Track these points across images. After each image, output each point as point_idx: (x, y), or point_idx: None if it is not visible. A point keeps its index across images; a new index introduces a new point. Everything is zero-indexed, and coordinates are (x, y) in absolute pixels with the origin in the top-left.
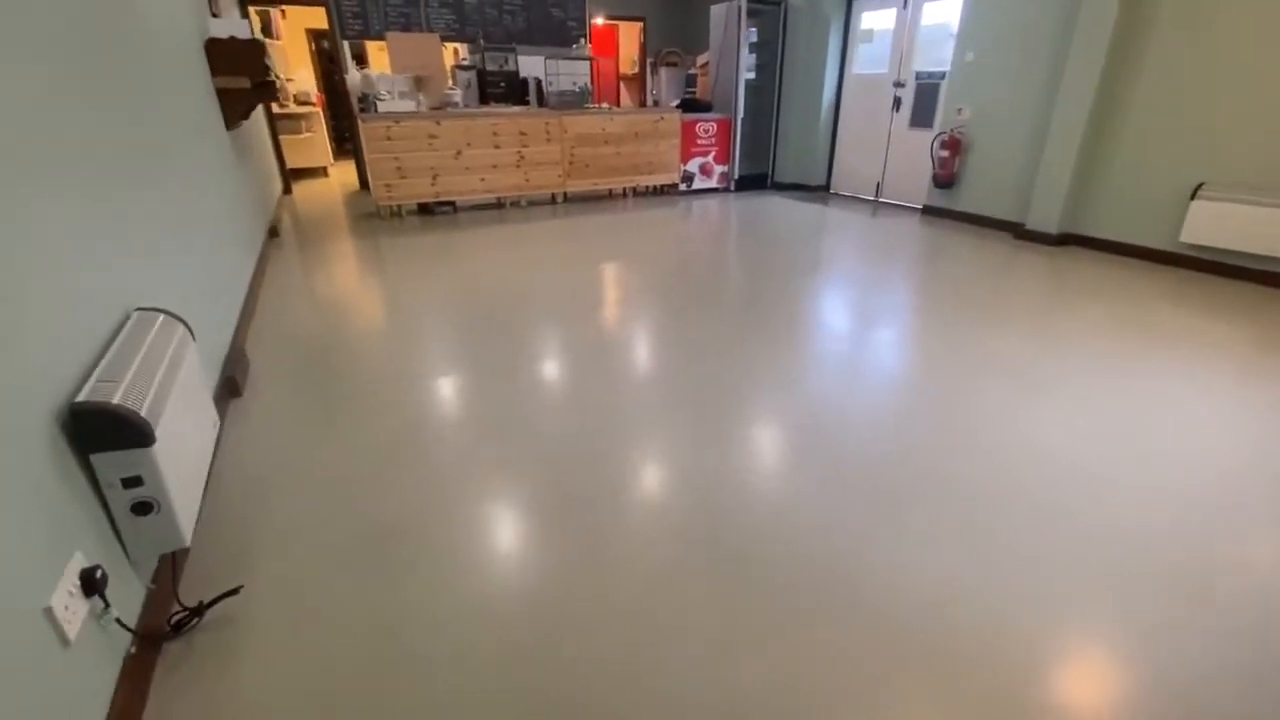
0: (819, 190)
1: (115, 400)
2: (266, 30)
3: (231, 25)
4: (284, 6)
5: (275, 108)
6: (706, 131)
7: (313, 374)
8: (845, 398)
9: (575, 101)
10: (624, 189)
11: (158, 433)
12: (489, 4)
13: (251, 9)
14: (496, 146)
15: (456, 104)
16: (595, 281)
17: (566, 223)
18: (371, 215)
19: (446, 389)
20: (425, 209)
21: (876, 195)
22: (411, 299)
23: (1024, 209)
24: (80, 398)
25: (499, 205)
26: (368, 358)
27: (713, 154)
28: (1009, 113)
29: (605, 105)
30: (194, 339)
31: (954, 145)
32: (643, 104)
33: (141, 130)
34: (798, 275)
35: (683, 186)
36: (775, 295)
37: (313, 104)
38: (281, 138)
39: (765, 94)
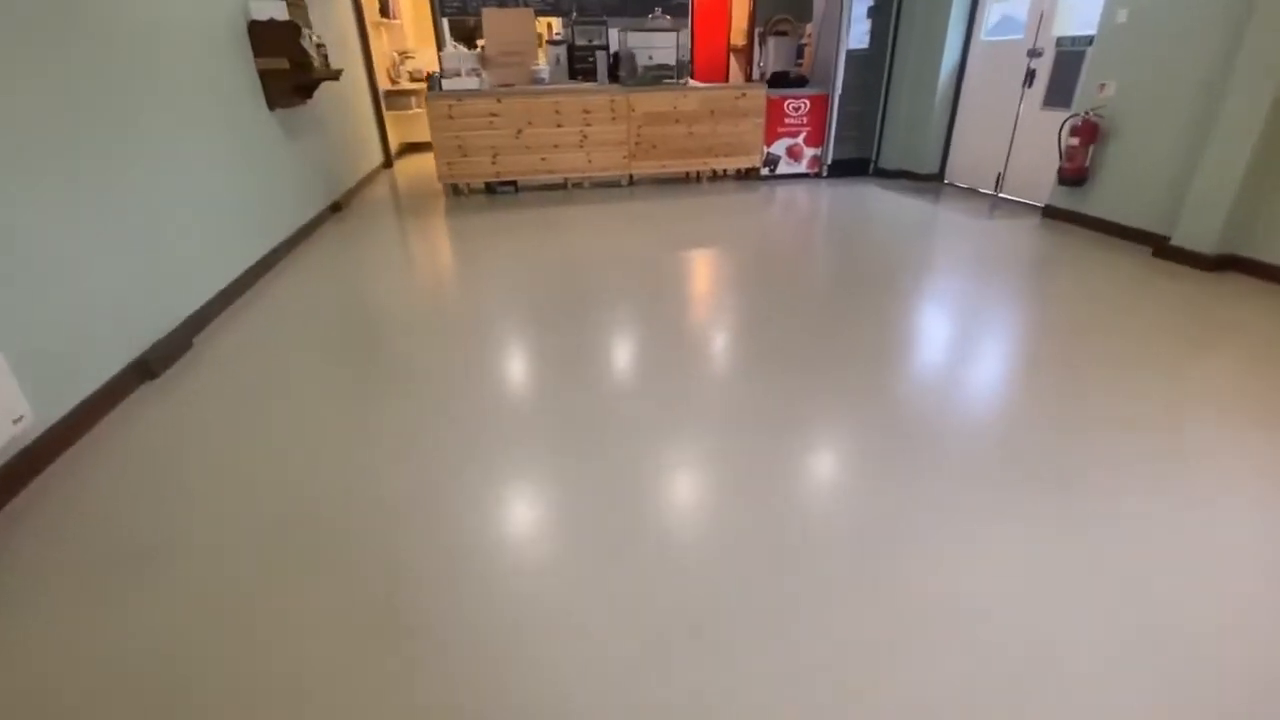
0: (929, 180)
1: None
2: (385, 9)
3: (272, 8)
4: None
5: (388, 84)
6: (797, 109)
7: (265, 366)
8: (918, 459)
9: (659, 77)
10: (697, 172)
11: None
12: None
13: None
14: (558, 125)
15: (543, 80)
16: (652, 278)
17: (632, 207)
18: (438, 193)
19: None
20: (488, 188)
21: (996, 189)
22: (435, 286)
23: (1171, 219)
24: None
25: (563, 186)
26: (335, 352)
27: (803, 135)
28: (1165, 92)
29: (687, 81)
30: None
31: (1088, 132)
32: (748, 78)
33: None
34: (881, 287)
35: (765, 171)
36: (852, 310)
37: (424, 81)
38: (392, 114)
39: (874, 66)
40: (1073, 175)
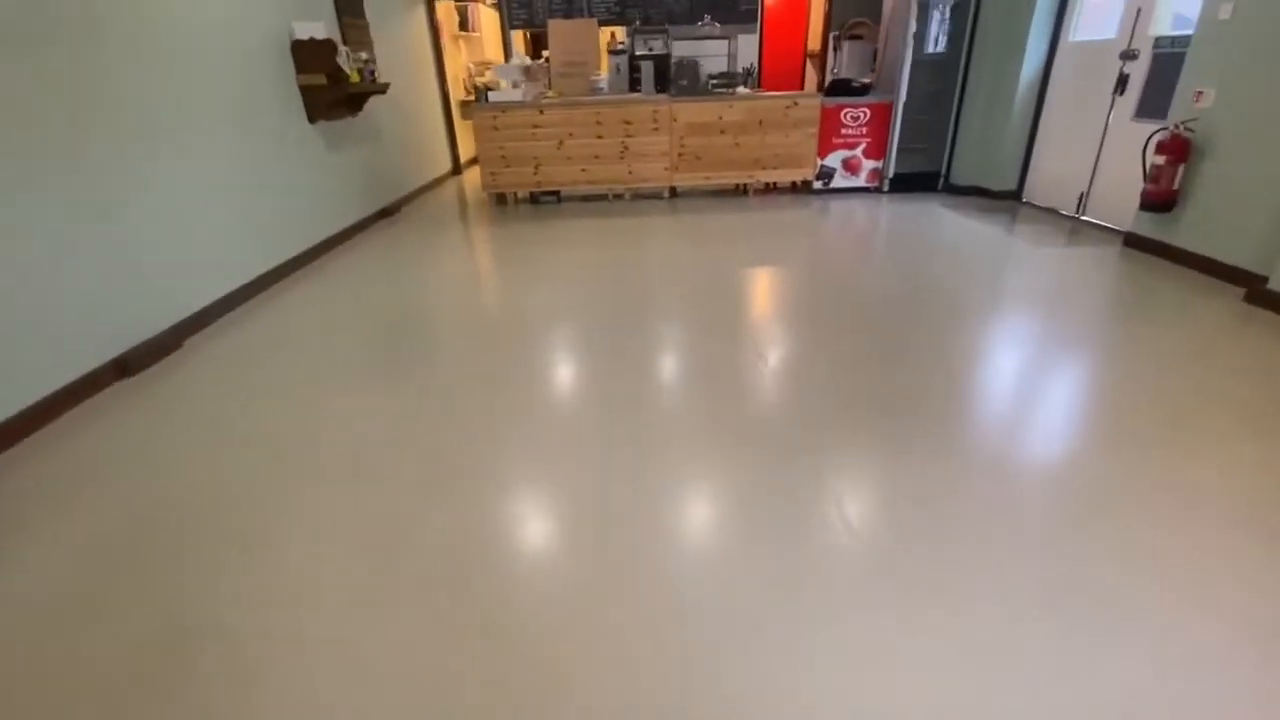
0: (1005, 198)
1: None
2: (464, 23)
3: (312, 28)
4: (470, 2)
5: (463, 95)
6: (855, 119)
7: (250, 369)
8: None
9: (713, 86)
10: (744, 185)
11: None
12: None
13: (446, 3)
14: (599, 136)
15: (602, 90)
16: (682, 300)
17: (673, 221)
18: (486, 202)
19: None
20: (532, 198)
21: (1078, 210)
22: (455, 294)
23: (1270, 257)
24: None
25: (604, 198)
26: (316, 363)
27: (862, 147)
28: (1272, 104)
29: (735, 90)
30: None
31: (1177, 149)
32: (821, 86)
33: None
34: (921, 323)
35: (818, 184)
36: (894, 351)
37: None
38: (466, 123)
39: (947, 71)
40: (1157, 199)
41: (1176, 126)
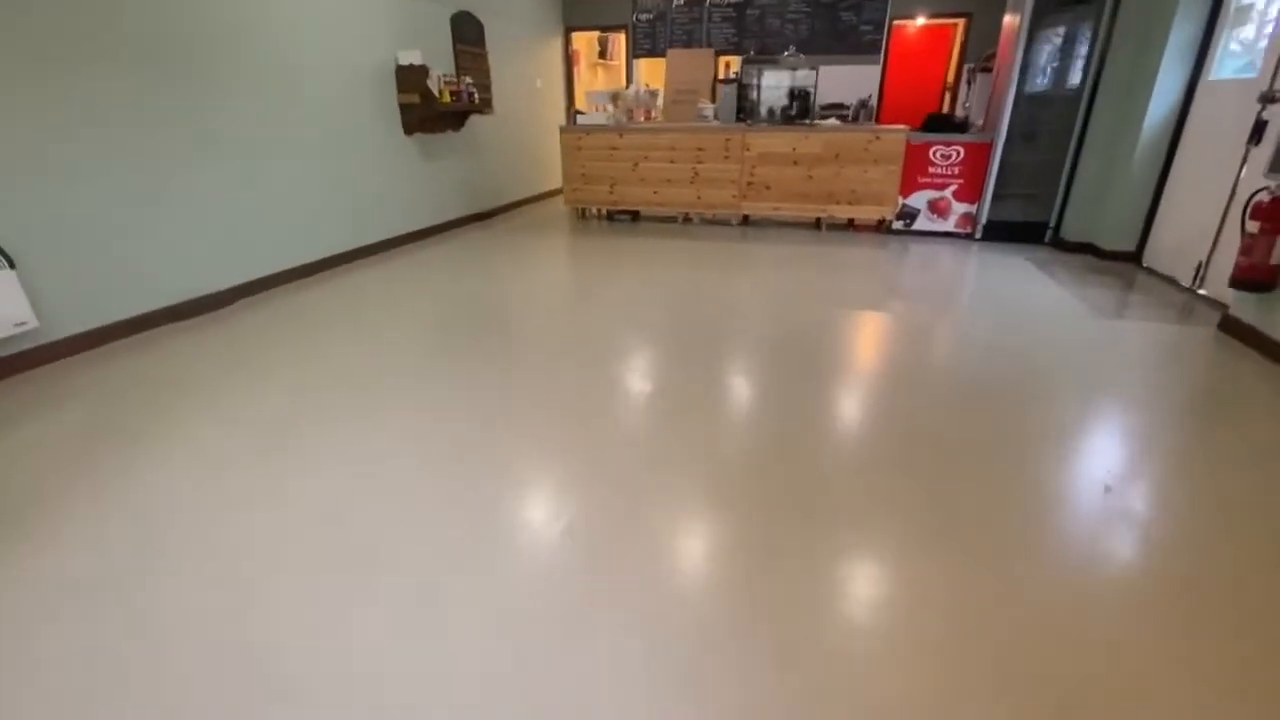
0: (1118, 259)
1: None
2: (603, 52)
3: (412, 55)
4: (611, 32)
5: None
6: (945, 158)
7: (279, 333)
8: None
9: (850, 115)
10: (818, 219)
11: None
12: (771, 13)
13: (585, 34)
14: (671, 161)
15: (707, 118)
16: (699, 315)
17: (742, 249)
18: (573, 216)
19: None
20: (608, 215)
21: (1195, 282)
22: (511, 293)
23: None
24: None
25: (675, 220)
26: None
27: (952, 188)
28: None
29: (813, 121)
30: (11, 266)
31: (1276, 215)
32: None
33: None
34: (953, 416)
35: (898, 225)
36: (920, 444)
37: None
38: None
39: (1067, 109)
40: (1249, 277)
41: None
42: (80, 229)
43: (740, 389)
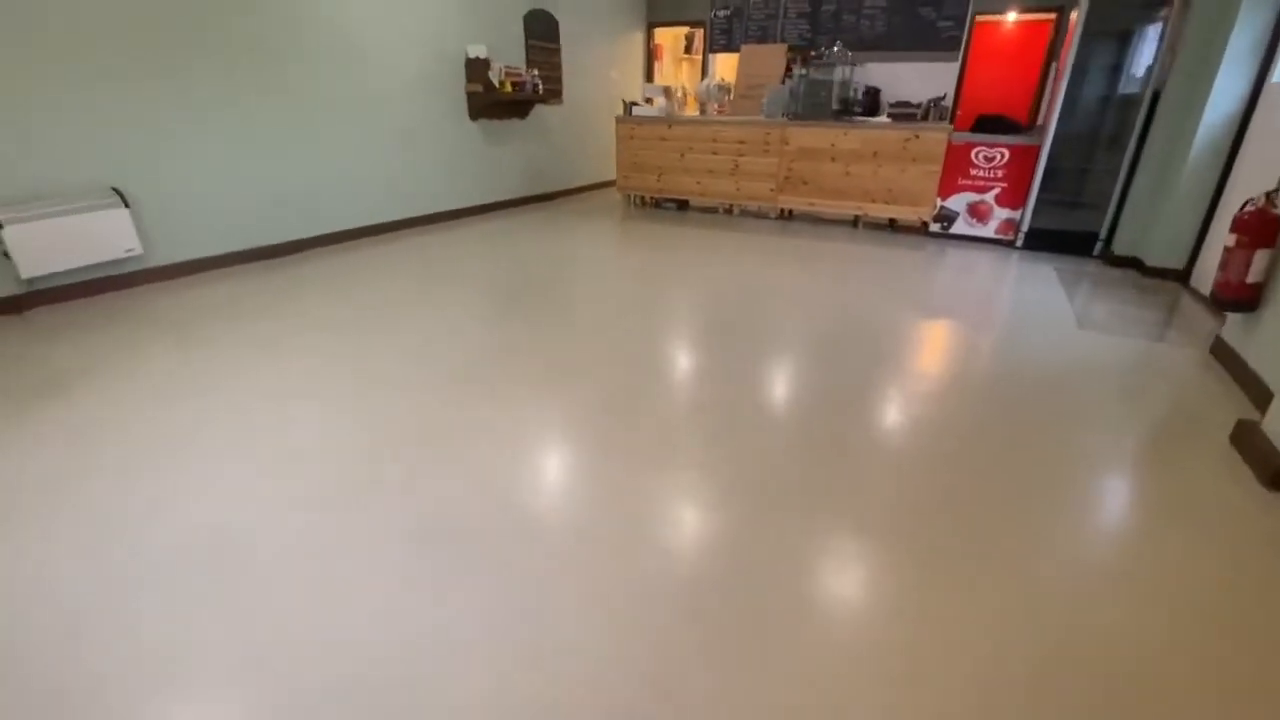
0: (1164, 277)
1: (3, 215)
2: (689, 48)
3: (479, 49)
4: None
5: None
6: (989, 160)
7: (331, 282)
8: None
9: (920, 114)
10: (856, 217)
11: (5, 231)
12: (846, 9)
13: (669, 29)
14: (714, 153)
15: (771, 112)
16: (702, 303)
17: (774, 242)
18: (623, 202)
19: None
20: (655, 202)
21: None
22: (547, 267)
23: None
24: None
25: (716, 211)
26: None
27: (994, 192)
28: None
29: (853, 117)
30: (127, 206)
31: (1257, 229)
32: (1029, 121)
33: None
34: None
35: (935, 227)
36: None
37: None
38: None
39: (1126, 114)
40: (1225, 295)
41: (1270, 196)
42: (179, 182)
43: (736, 364)
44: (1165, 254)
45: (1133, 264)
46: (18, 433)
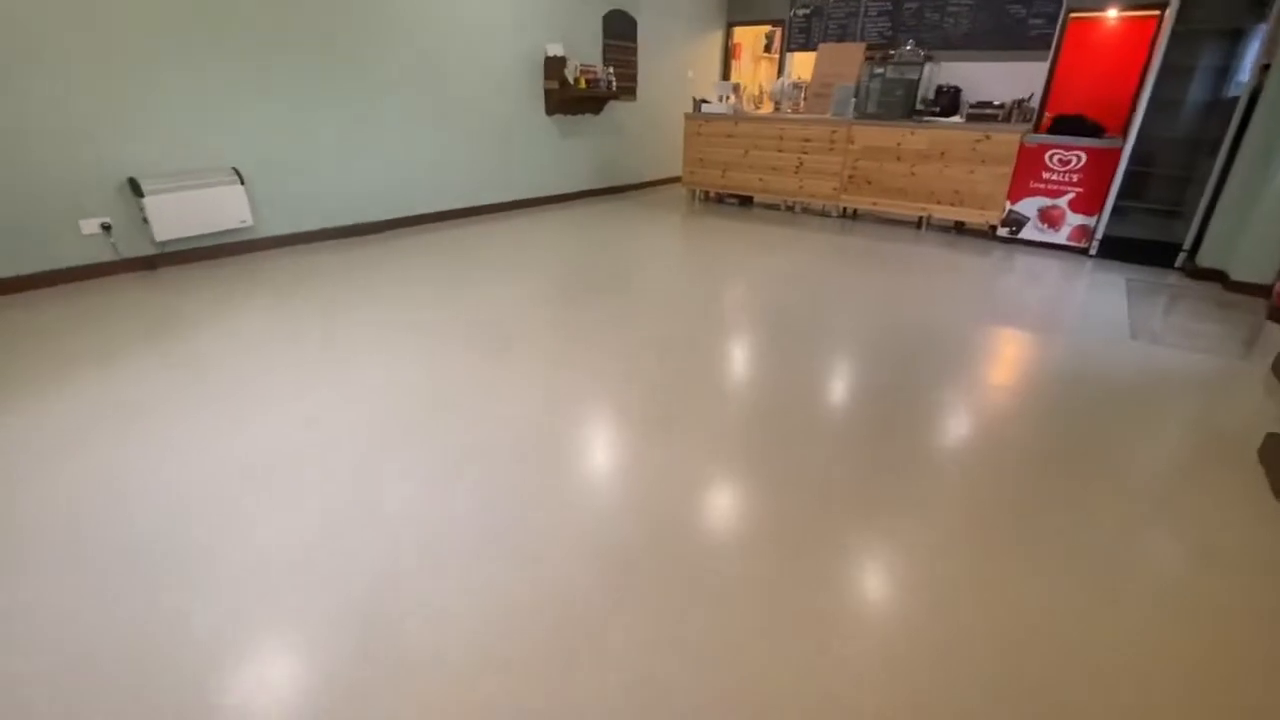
0: (1250, 293)
1: (145, 185)
2: (768, 47)
3: (556, 48)
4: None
5: (750, 108)
6: (1064, 163)
7: (402, 264)
8: None
9: (1002, 116)
10: (920, 219)
11: (146, 199)
12: (930, 7)
13: (749, 28)
14: (779, 150)
15: (840, 113)
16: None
17: (843, 241)
18: (688, 197)
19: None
20: (718, 198)
21: None
22: (612, 257)
23: None
24: (135, 176)
25: (778, 208)
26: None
27: (1068, 197)
28: None
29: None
30: (242, 184)
31: None
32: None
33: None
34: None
35: (1003, 232)
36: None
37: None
38: None
39: (1218, 117)
40: None
41: None
42: (287, 165)
43: (786, 352)
44: (1252, 269)
45: (1218, 277)
46: (150, 360)
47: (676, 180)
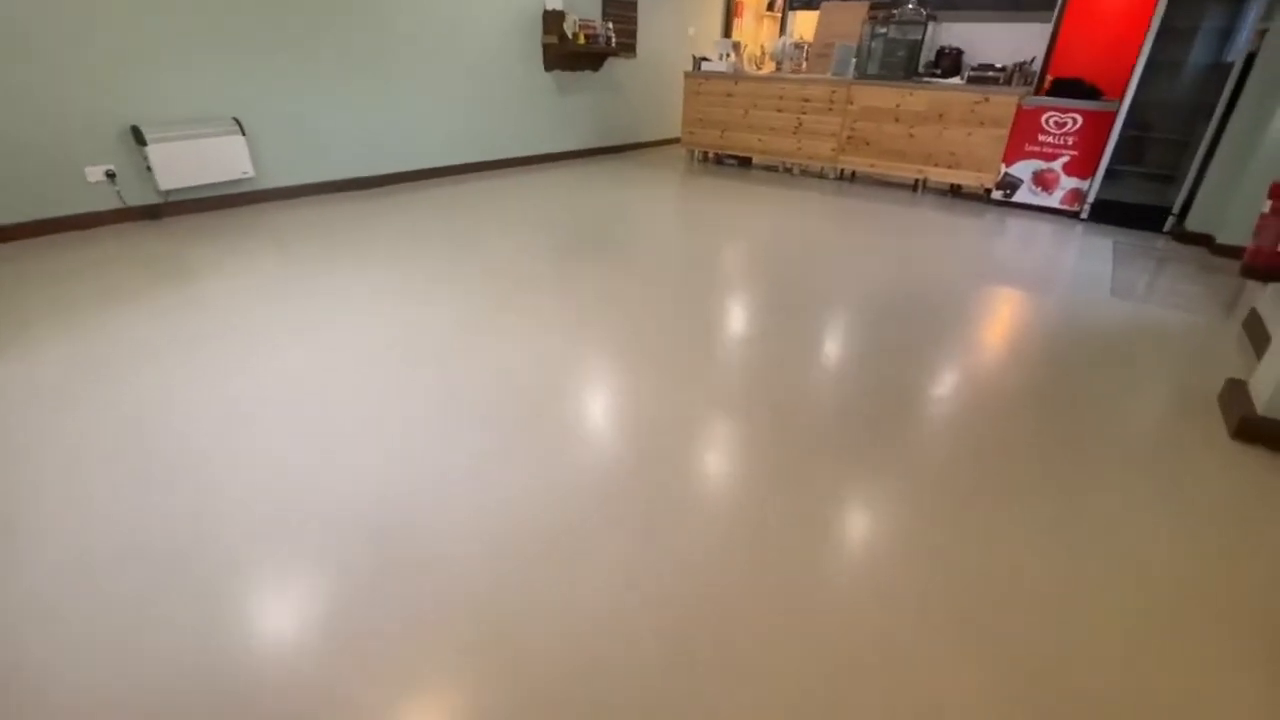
0: (1235, 256)
1: (148, 133)
2: (771, 5)
3: (555, 1)
4: None
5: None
6: (1060, 125)
7: (398, 219)
8: None
9: (1004, 79)
10: (917, 181)
11: (149, 148)
12: None
13: None
14: (778, 110)
15: (840, 73)
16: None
17: (840, 203)
18: (686, 158)
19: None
20: (716, 158)
21: None
22: (598, 208)
23: None
24: (137, 124)
25: (785, 170)
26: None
27: (1063, 160)
28: None
29: (922, 77)
30: (244, 134)
31: None
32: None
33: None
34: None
35: (997, 195)
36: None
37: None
38: None
39: (1216, 81)
40: (1255, 263)
41: None
42: (286, 117)
43: (777, 306)
44: (1238, 232)
45: (1205, 241)
46: (157, 304)
47: (675, 142)
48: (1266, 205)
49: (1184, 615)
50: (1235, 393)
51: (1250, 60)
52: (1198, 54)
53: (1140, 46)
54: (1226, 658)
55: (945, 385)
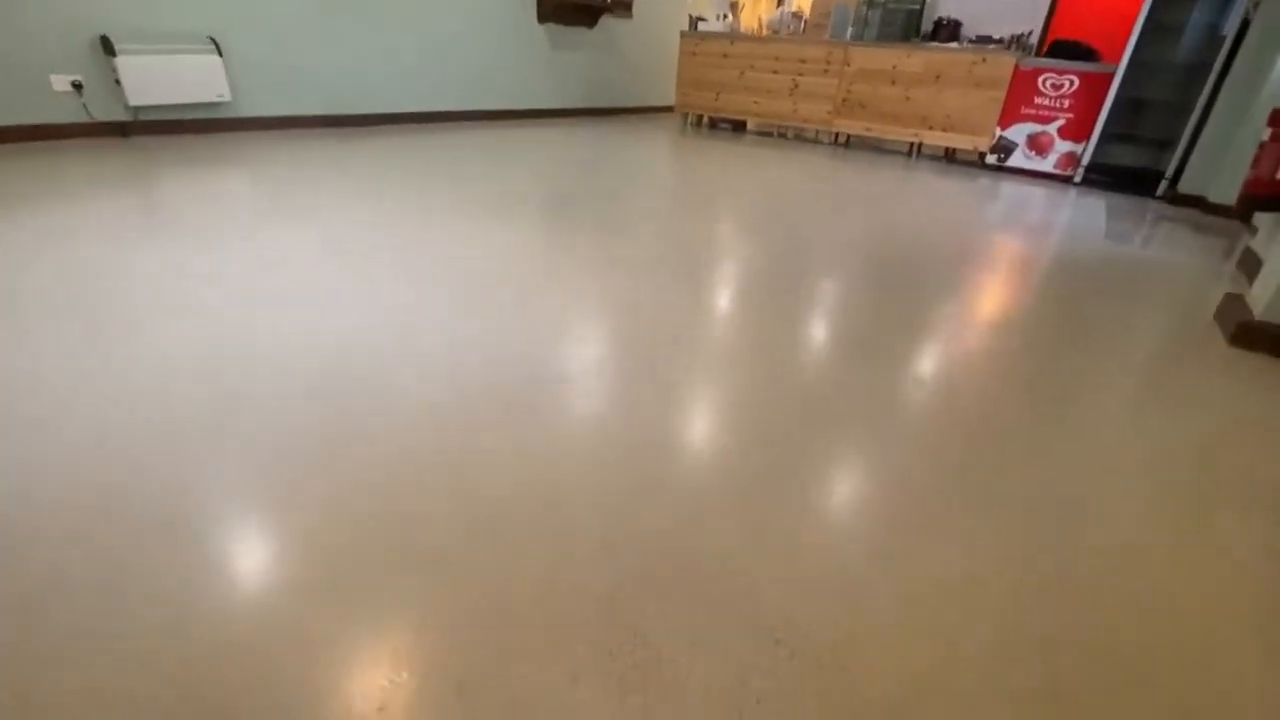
0: (1228, 216)
1: (117, 44)
2: None
3: None
4: None
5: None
6: (1056, 88)
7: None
8: None
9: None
10: (912, 146)
11: (118, 60)
12: None
13: None
14: (774, 72)
15: (838, 37)
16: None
17: (834, 168)
18: (680, 123)
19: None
20: (711, 123)
21: None
22: (583, 176)
23: None
24: (107, 34)
25: (777, 134)
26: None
27: (1058, 124)
28: None
29: (918, 40)
30: (220, 55)
31: None
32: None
33: None
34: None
35: (991, 159)
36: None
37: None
38: None
39: (1210, 43)
40: (1252, 193)
41: None
42: (268, 43)
43: (764, 268)
44: (1231, 191)
45: (1198, 204)
46: (128, 224)
47: (669, 110)
48: (1266, 133)
49: (1195, 491)
50: (1232, 305)
51: (1245, 25)
52: (1201, 16)
53: (1139, 8)
54: (1231, 526)
55: (949, 320)
